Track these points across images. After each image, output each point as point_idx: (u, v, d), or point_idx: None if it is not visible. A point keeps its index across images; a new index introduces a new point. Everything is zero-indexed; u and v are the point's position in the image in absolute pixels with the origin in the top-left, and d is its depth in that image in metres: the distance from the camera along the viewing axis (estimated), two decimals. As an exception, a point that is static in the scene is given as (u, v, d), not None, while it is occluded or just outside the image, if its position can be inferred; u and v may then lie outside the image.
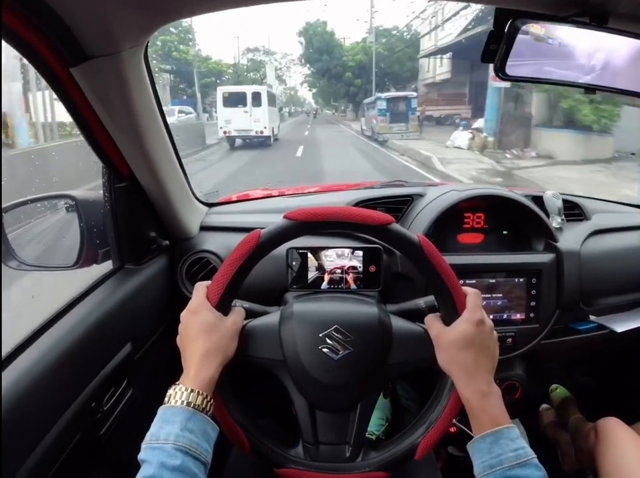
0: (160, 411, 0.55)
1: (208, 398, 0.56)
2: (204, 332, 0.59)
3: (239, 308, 0.66)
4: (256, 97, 14.00)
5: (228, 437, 0.63)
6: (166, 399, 0.56)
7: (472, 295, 0.63)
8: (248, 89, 14.60)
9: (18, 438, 0.58)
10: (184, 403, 0.54)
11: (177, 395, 0.55)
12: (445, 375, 0.64)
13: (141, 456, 0.51)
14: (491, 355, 0.61)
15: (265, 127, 13.81)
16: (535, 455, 0.54)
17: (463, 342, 0.59)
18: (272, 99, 15.54)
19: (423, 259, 0.61)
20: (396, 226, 0.61)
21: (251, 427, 0.64)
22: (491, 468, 0.54)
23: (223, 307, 0.61)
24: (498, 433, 0.55)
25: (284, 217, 0.61)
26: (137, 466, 0.51)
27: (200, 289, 0.63)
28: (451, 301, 0.62)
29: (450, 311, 0.62)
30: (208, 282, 0.63)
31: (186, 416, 0.53)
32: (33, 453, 0.59)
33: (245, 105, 13.84)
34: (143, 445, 0.52)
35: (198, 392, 0.55)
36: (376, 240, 0.68)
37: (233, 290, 0.62)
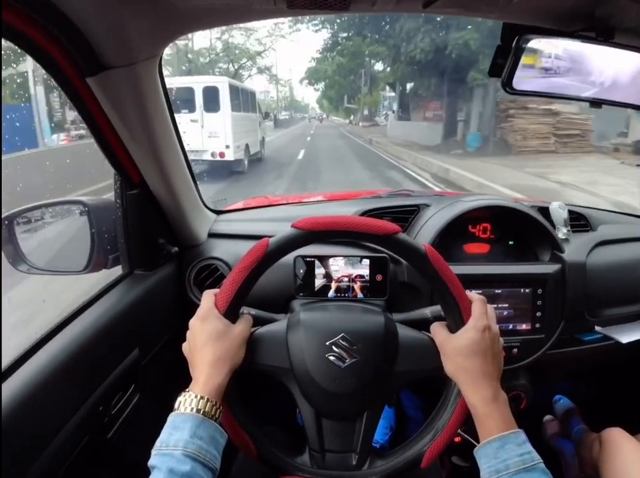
0: (171, 418, 0.55)
1: (217, 404, 0.57)
2: (212, 340, 0.60)
3: (247, 315, 0.66)
4: (210, 95, 8.38)
5: (236, 444, 0.63)
6: (176, 405, 0.56)
7: (477, 301, 0.63)
8: (197, 83, 8.65)
9: (27, 440, 0.59)
10: (194, 410, 0.54)
11: (187, 402, 0.55)
12: (450, 383, 0.64)
13: (150, 462, 0.51)
14: (497, 362, 0.61)
15: (227, 146, 8.36)
16: (541, 460, 0.54)
17: (468, 349, 0.60)
18: (243, 98, 9.63)
19: (430, 268, 0.61)
20: (403, 236, 0.62)
21: (258, 434, 0.65)
22: (497, 473, 0.54)
23: (231, 314, 0.62)
24: (504, 438, 0.56)
25: (292, 226, 0.62)
26: (143, 469, 0.52)
27: (208, 297, 0.63)
28: (457, 309, 0.62)
29: (456, 319, 0.63)
30: (217, 290, 0.64)
31: (195, 423, 0.53)
32: (41, 455, 0.60)
33: (193, 109, 8.29)
34: (153, 452, 0.52)
35: (208, 399, 0.56)
36: (383, 249, 0.69)
37: (241, 298, 0.62)
